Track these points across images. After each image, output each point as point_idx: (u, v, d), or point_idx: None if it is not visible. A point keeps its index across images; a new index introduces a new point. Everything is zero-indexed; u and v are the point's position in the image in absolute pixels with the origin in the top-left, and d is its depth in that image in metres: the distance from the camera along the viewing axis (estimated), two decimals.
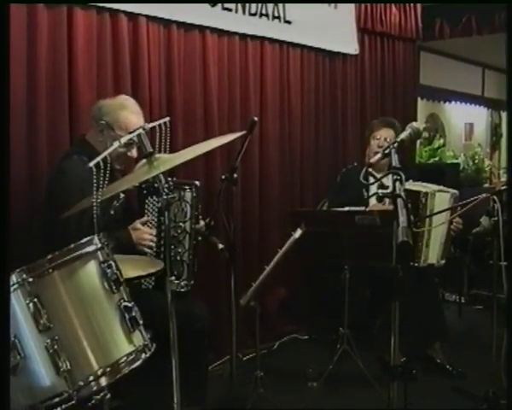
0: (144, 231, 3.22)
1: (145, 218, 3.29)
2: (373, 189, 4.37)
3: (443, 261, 4.39)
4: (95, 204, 2.43)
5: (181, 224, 3.33)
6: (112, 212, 3.24)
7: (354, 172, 4.68)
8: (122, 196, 3.28)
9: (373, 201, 4.48)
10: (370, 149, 4.78)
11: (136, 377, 2.40)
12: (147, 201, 3.36)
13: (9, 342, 2.03)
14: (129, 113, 3.29)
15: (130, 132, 2.56)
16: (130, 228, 3.21)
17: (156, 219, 3.36)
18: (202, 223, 3.34)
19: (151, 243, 3.24)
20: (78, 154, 3.17)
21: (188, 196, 3.34)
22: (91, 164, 2.40)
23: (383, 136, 4.72)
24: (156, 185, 3.12)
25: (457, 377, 4.40)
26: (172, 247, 3.27)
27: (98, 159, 2.40)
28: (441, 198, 4.26)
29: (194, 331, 3.27)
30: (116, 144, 2.55)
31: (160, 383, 2.95)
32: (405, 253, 2.08)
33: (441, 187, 4.39)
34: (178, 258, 3.34)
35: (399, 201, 2.22)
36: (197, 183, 3.41)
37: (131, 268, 2.53)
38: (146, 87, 4.12)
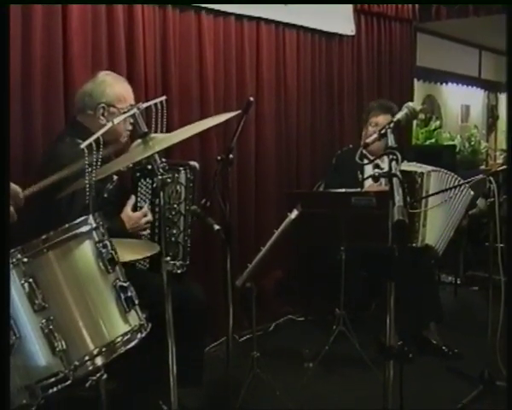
0: (137, 217, 3.21)
1: (132, 200, 3.27)
2: (368, 171, 4.37)
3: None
4: (88, 185, 2.42)
5: (175, 205, 3.33)
6: (105, 195, 3.22)
7: (349, 154, 4.66)
8: (115, 178, 3.27)
9: (368, 183, 4.47)
10: (367, 134, 4.74)
11: (133, 358, 2.41)
12: (139, 183, 3.34)
13: (9, 323, 2.03)
14: (119, 84, 3.34)
15: (125, 112, 2.55)
16: (123, 216, 3.19)
17: (150, 202, 3.34)
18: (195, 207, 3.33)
19: (147, 226, 3.24)
20: (71, 136, 3.16)
21: (182, 177, 3.33)
22: (83, 145, 2.39)
23: (381, 122, 4.65)
24: (150, 167, 3.13)
25: (453, 358, 4.41)
26: (167, 228, 3.26)
27: (91, 140, 2.39)
28: (436, 178, 4.26)
29: (191, 312, 3.27)
30: (109, 125, 2.53)
31: (156, 364, 2.96)
32: (401, 232, 2.08)
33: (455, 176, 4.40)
34: (173, 239, 3.34)
35: (395, 180, 2.21)
36: (193, 163, 3.39)
37: (127, 252, 2.53)
38: (141, 69, 4.10)
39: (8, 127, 2.84)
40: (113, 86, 3.30)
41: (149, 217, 3.27)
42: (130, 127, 3.31)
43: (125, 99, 3.28)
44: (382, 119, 4.68)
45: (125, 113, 2.58)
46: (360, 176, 4.53)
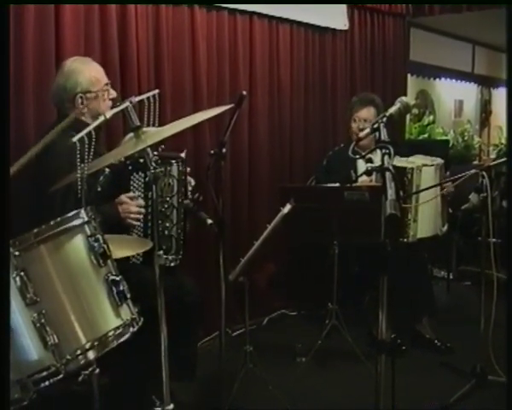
0: (131, 204, 3.19)
1: (131, 194, 3.26)
2: (361, 168, 4.37)
3: (445, 228, 4.42)
4: (80, 178, 2.41)
5: (168, 199, 3.31)
6: (99, 188, 3.21)
7: (341, 153, 4.66)
8: (107, 170, 3.26)
9: (362, 180, 4.47)
10: (352, 132, 4.75)
11: (126, 353, 2.41)
12: (132, 177, 3.32)
13: (9, 322, 2.02)
14: (89, 67, 3.32)
15: (115, 106, 2.55)
16: (117, 202, 3.18)
17: (142, 196, 3.32)
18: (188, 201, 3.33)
19: (138, 216, 3.22)
20: (63, 129, 3.14)
21: (174, 170, 3.31)
22: (75, 139, 2.38)
23: (363, 117, 4.68)
24: (141, 161, 3.12)
25: (445, 352, 4.43)
26: (160, 222, 3.25)
27: (82, 133, 2.39)
28: (428, 173, 4.25)
29: (184, 306, 3.28)
30: (102, 118, 2.53)
31: (149, 358, 2.96)
32: (393, 226, 2.08)
33: (426, 159, 4.38)
34: (166, 233, 3.33)
35: (388, 174, 2.21)
36: (183, 155, 3.38)
37: (119, 248, 2.52)
38: (134, 63, 4.09)
39: (8, 125, 2.83)
40: (84, 72, 3.27)
41: (142, 205, 3.25)
42: (109, 103, 3.32)
43: (98, 81, 3.29)
44: (365, 112, 4.70)
45: (118, 106, 2.56)
46: (353, 174, 4.53)
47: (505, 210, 3.63)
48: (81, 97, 3.25)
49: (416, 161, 4.31)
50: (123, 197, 3.19)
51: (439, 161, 4.38)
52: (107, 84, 3.35)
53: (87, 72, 3.28)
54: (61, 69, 3.34)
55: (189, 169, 3.40)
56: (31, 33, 3.54)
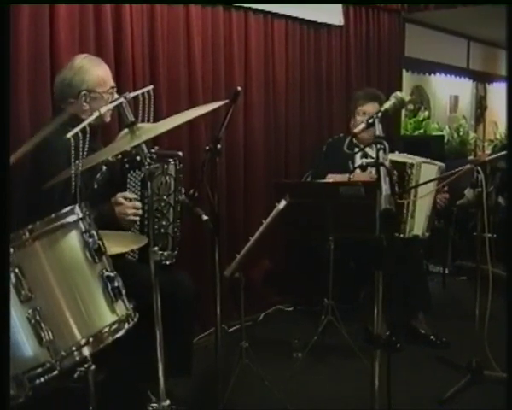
0: (127, 206, 3.16)
1: (128, 194, 3.23)
2: (358, 161, 4.37)
3: (428, 234, 4.40)
4: (74, 174, 2.41)
5: (164, 197, 3.30)
6: (95, 186, 3.20)
7: (340, 142, 4.64)
8: (104, 168, 3.25)
9: (357, 172, 4.47)
10: (355, 124, 4.72)
11: (122, 349, 2.41)
12: (129, 175, 3.31)
13: (9, 321, 2.02)
14: (97, 67, 3.31)
15: (112, 101, 2.54)
16: (113, 202, 3.17)
17: (139, 193, 3.31)
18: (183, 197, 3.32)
19: (135, 218, 3.20)
20: (60, 125, 3.13)
21: (171, 168, 3.30)
22: (69, 135, 2.39)
23: (368, 111, 4.64)
24: (138, 158, 3.10)
25: (441, 348, 4.44)
26: (156, 220, 3.24)
27: (77, 129, 2.38)
28: (427, 170, 4.26)
29: (180, 302, 3.27)
30: (96, 114, 2.53)
31: (145, 354, 2.96)
32: (388, 221, 2.07)
33: (428, 160, 4.39)
34: (162, 231, 3.32)
35: (382, 169, 2.21)
36: (180, 153, 3.37)
37: (115, 244, 2.51)
38: (129, 59, 4.08)
39: (8, 125, 2.82)
40: (92, 71, 3.27)
41: (139, 207, 3.23)
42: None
43: (104, 82, 3.28)
44: (370, 107, 4.66)
45: (112, 102, 2.56)
46: (351, 166, 4.52)
47: (504, 206, 3.63)
48: (85, 95, 3.24)
49: (415, 158, 4.32)
50: (119, 198, 3.16)
51: (442, 164, 4.38)
52: (112, 88, 3.33)
53: (95, 71, 3.27)
54: (70, 64, 3.32)
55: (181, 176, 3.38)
56: (25, 32, 3.52)
